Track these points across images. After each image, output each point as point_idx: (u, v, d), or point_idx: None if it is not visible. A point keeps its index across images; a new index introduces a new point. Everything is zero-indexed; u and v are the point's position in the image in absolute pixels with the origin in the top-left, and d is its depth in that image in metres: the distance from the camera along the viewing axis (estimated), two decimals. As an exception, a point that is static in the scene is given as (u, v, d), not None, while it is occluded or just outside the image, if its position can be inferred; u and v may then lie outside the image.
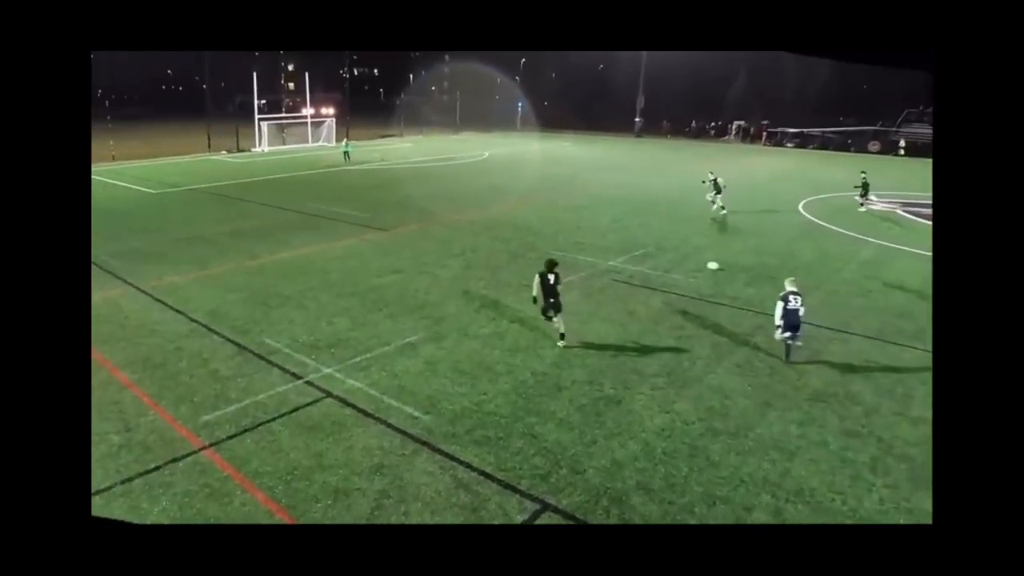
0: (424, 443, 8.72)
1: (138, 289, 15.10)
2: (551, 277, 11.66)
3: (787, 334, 11.00)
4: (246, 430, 9.01)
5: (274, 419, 9.30)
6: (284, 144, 49.20)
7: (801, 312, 10.92)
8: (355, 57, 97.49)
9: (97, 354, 11.42)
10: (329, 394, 10.04)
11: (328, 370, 10.85)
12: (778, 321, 11.01)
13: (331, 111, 58.50)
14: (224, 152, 46.23)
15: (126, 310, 13.70)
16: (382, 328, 12.69)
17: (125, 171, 36.75)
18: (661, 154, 46.16)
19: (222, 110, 61.02)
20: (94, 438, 8.74)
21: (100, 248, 18.87)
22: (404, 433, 8.96)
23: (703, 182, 24.30)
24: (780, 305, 10.99)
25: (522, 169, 37.21)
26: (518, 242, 19.58)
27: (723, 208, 22.92)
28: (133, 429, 9.02)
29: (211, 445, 8.64)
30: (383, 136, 60.73)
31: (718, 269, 16.73)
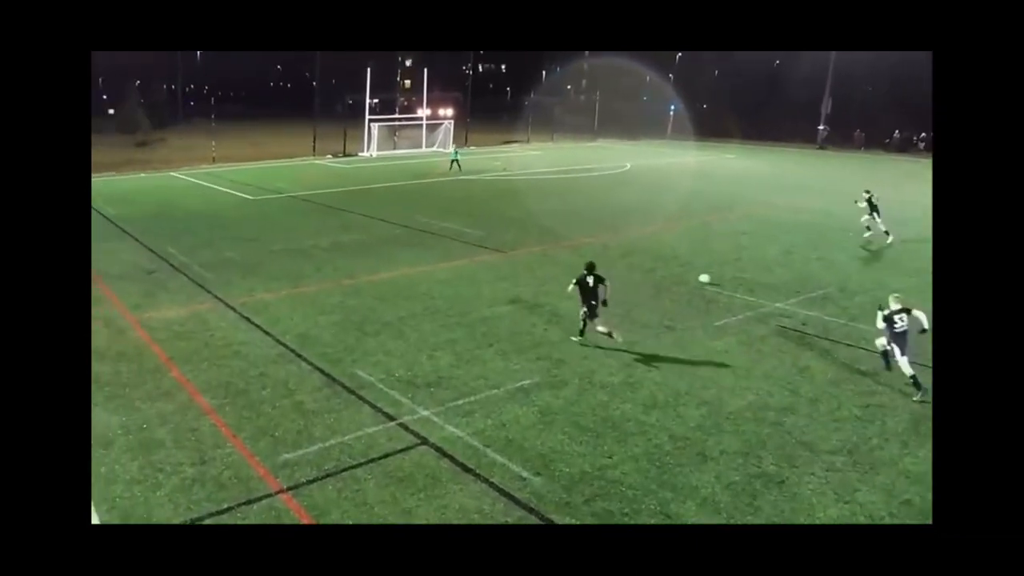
0: (532, 510, 8.61)
1: (227, 305, 16.27)
2: (590, 280, 13.48)
3: (892, 347, 11.88)
4: (328, 475, 9.33)
5: (360, 465, 9.58)
6: (395, 149, 51.83)
7: (907, 329, 11.72)
8: (480, 52, 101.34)
9: (178, 374, 12.37)
10: (424, 441, 10.21)
11: (425, 412, 11.06)
12: (881, 336, 12.13)
13: (449, 112, 60.94)
14: (329, 156, 49.40)
15: (212, 327, 14.78)
16: (491, 367, 12.81)
17: (225, 174, 40.14)
18: (851, 171, 43.89)
19: (330, 110, 65.40)
20: (168, 468, 9.43)
21: (192, 257, 20.63)
22: (508, 496, 8.90)
23: (856, 202, 23.83)
24: (884, 324, 11.86)
25: (671, 185, 36.72)
26: (662, 273, 19.22)
27: (887, 233, 22.72)
28: (208, 462, 9.62)
29: (289, 489, 9.02)
30: (507, 142, 62.36)
31: (709, 283, 17.92)
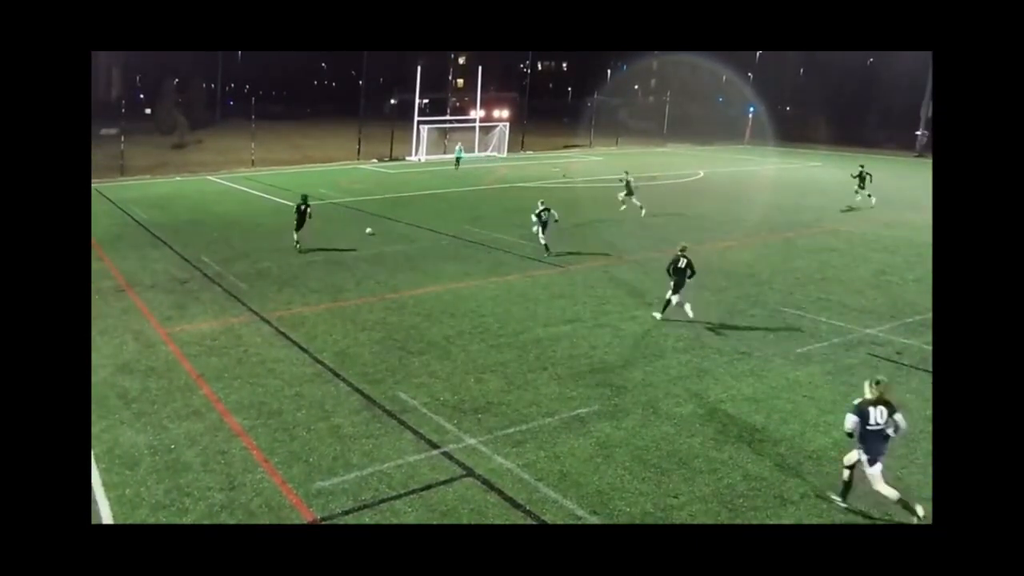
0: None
1: (262, 319, 16.61)
2: (306, 209, 22.93)
3: (537, 231, 22.66)
4: (365, 506, 9.39)
5: (400, 496, 9.62)
6: (445, 153, 52.40)
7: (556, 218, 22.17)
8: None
9: (209, 392, 12.64)
10: (470, 472, 10.21)
11: (472, 441, 11.06)
12: (535, 229, 22.61)
13: (504, 114, 61.40)
14: (375, 160, 50.26)
15: (246, 342, 15.09)
16: (544, 393, 12.76)
17: (264, 179, 41.13)
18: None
19: (377, 111, 66.61)
20: (195, 492, 9.62)
21: (228, 268, 21.14)
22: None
23: (621, 196, 30.34)
24: (535, 220, 22.35)
25: (748, 195, 36.26)
26: (736, 293, 18.93)
27: (629, 205, 29.94)
28: (237, 488, 9.78)
29: (322, 520, 9.11)
30: (567, 146, 62.55)
31: (371, 234, 24.27)
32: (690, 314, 16.02)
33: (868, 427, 9.02)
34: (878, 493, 9.05)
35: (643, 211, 29.62)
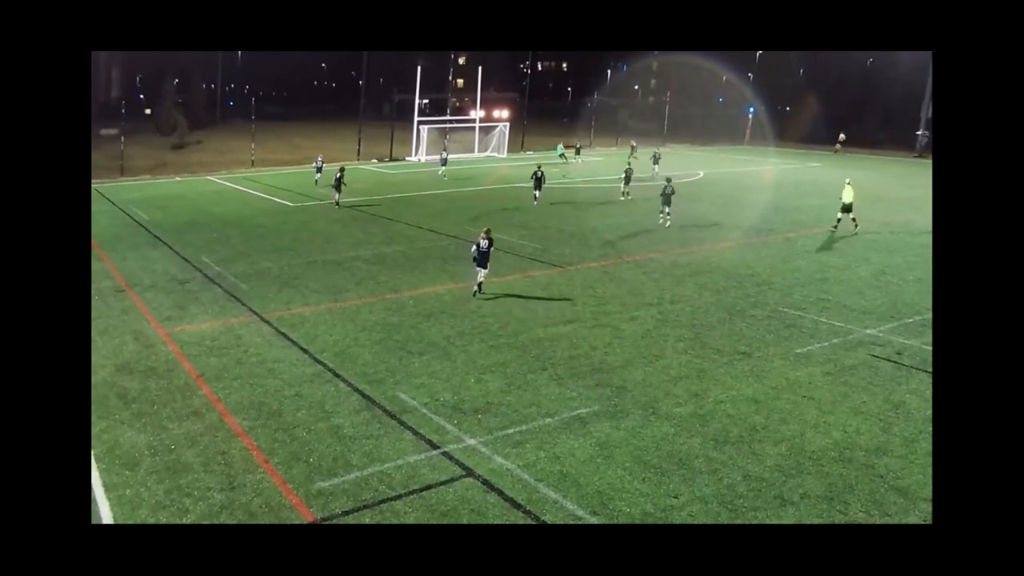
0: (587, 554, 8.51)
1: (262, 319, 16.61)
2: (341, 175, 31.99)
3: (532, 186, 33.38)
4: (365, 507, 9.39)
5: (400, 496, 9.62)
6: (444, 153, 52.37)
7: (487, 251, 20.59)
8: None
9: (209, 392, 12.64)
10: (470, 472, 10.21)
11: (472, 441, 11.06)
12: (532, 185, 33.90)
13: (504, 114, 61.39)
14: (375, 160, 50.27)
15: (246, 343, 15.08)
16: (545, 394, 12.76)
17: (264, 179, 41.12)
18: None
19: (377, 111, 66.61)
20: (195, 493, 9.62)
21: (228, 268, 21.14)
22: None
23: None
24: (531, 178, 33.46)
25: (748, 196, 36.25)
26: (736, 294, 18.93)
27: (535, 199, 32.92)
28: (237, 488, 9.78)
29: (322, 520, 9.11)
30: (567, 147, 62.46)
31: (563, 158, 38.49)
32: (536, 202, 31.50)
33: (480, 251, 17.94)
34: (479, 280, 18.32)
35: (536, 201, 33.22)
